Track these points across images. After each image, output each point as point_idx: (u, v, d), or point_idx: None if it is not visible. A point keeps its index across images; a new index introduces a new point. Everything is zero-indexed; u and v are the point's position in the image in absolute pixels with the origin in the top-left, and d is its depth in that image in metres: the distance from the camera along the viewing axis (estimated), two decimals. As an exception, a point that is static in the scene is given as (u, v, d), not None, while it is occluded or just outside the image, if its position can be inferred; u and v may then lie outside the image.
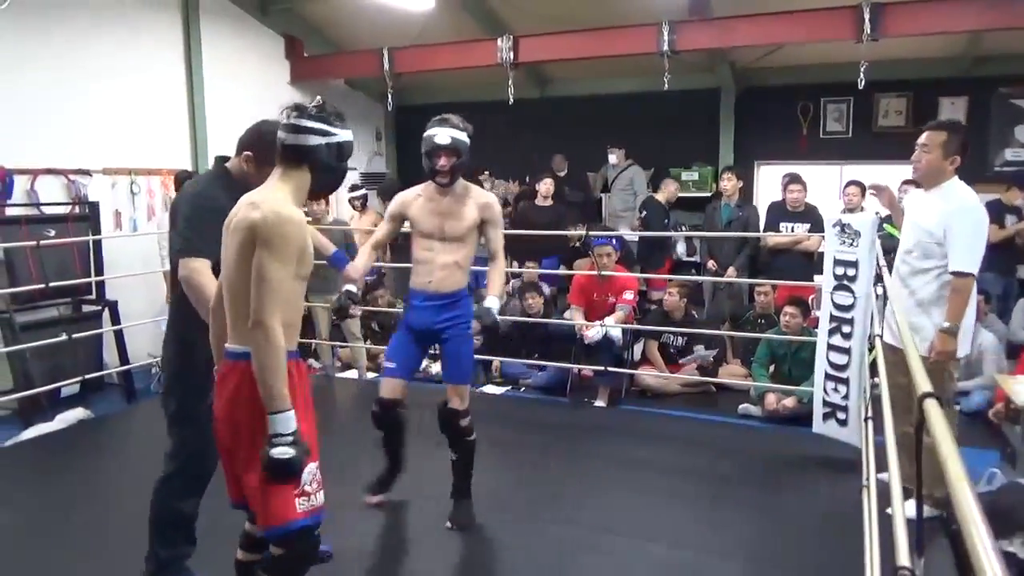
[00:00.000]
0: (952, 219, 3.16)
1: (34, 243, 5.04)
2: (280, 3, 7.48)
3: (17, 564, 3.15)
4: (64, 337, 5.12)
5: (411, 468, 4.17)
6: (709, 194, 7.28)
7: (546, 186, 6.91)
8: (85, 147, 5.73)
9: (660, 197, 6.81)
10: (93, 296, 5.60)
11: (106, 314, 5.58)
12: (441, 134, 3.28)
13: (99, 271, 5.50)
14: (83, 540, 3.34)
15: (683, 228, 7.16)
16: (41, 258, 5.12)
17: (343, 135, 2.17)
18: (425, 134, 3.32)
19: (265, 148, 2.45)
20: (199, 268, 2.44)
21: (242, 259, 2.02)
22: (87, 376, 5.27)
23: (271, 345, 1.95)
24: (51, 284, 5.10)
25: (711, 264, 6.18)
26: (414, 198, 3.38)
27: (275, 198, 2.05)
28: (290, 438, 1.97)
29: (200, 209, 2.51)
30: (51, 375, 5.09)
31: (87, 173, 5.77)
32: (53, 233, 5.29)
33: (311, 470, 2.12)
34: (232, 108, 7.00)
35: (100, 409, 5.06)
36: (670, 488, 3.89)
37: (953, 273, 3.15)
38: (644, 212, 6.79)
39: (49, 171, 5.56)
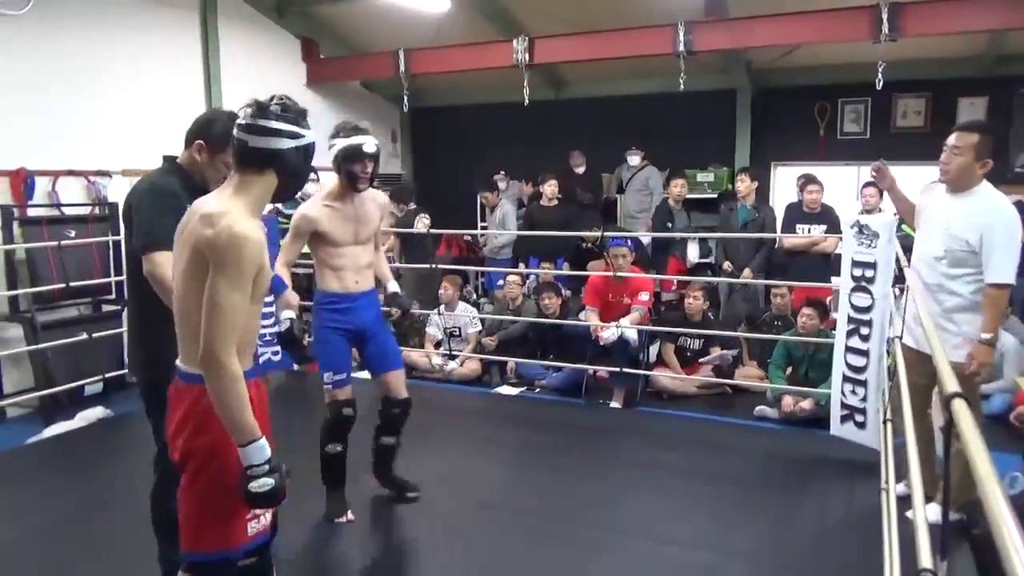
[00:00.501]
0: (988, 228, 3.03)
1: (55, 244, 5.11)
2: (297, 5, 7.53)
3: (38, 561, 3.19)
4: (84, 336, 5.18)
5: (421, 466, 4.19)
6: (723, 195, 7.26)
7: (550, 187, 6.92)
8: (105, 149, 5.79)
9: (670, 198, 6.79)
10: (113, 296, 5.66)
11: (125, 314, 5.62)
12: (368, 143, 3.35)
13: (118, 271, 5.55)
14: (103, 537, 3.38)
15: (693, 230, 7.10)
16: (62, 258, 5.19)
17: (310, 136, 2.01)
18: (347, 142, 3.33)
19: (217, 136, 2.47)
20: (163, 262, 2.32)
21: (192, 276, 1.87)
22: (107, 375, 5.32)
23: (228, 379, 1.81)
24: (72, 284, 5.17)
25: (727, 265, 6.14)
26: (321, 211, 3.37)
27: (232, 211, 1.87)
28: (266, 467, 1.85)
29: (157, 202, 2.45)
30: (72, 374, 5.15)
31: (107, 174, 5.83)
32: (73, 234, 5.35)
33: None
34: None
35: (120, 408, 5.10)
36: (686, 490, 3.88)
37: (991, 284, 3.05)
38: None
39: (70, 172, 5.63)
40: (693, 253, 6.45)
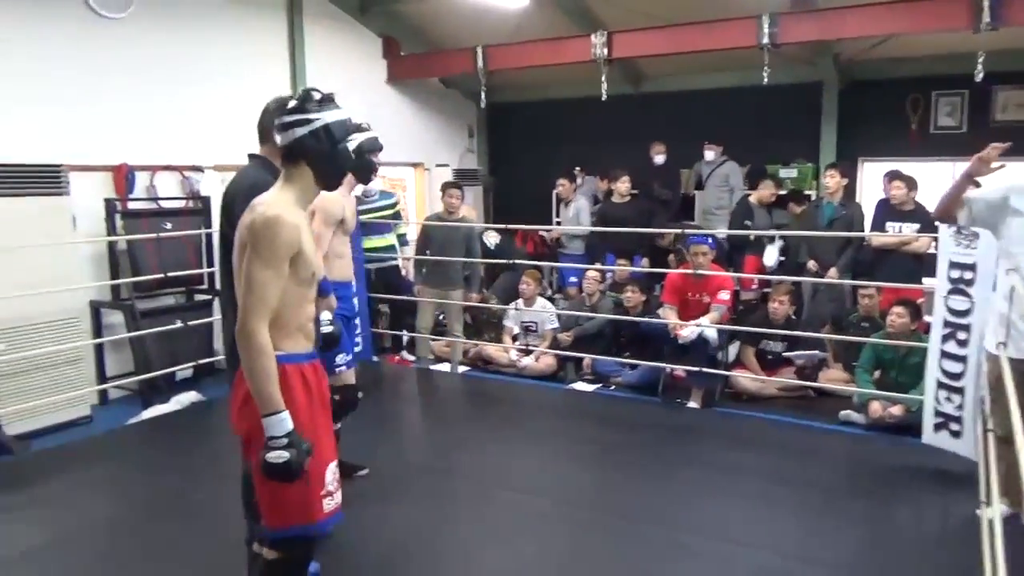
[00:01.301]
0: None
1: (154, 236, 5.37)
2: (379, 4, 7.66)
3: (141, 534, 3.37)
4: (179, 324, 5.44)
5: (497, 461, 4.24)
6: (811, 192, 7.04)
7: (623, 184, 6.85)
8: (198, 145, 6.03)
9: (753, 198, 6.63)
10: (205, 286, 5.91)
11: (216, 303, 5.87)
12: (376, 137, 3.41)
13: (211, 262, 5.79)
14: (196, 516, 3.54)
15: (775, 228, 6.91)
16: (159, 249, 5.45)
17: (328, 116, 2.05)
18: (361, 138, 3.33)
19: (264, 127, 2.66)
20: None
21: (242, 261, 2.01)
22: (200, 361, 5.57)
23: (255, 350, 1.93)
24: (168, 274, 5.42)
25: (811, 265, 5.96)
26: (340, 201, 3.45)
27: (274, 200, 2.02)
28: (284, 440, 1.91)
29: (248, 192, 2.48)
30: (168, 359, 5.41)
31: (199, 169, 6.07)
32: (170, 226, 5.61)
33: (332, 469, 2.13)
34: (333, 106, 7.25)
35: (210, 392, 5.33)
36: (766, 494, 3.79)
37: None
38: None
39: (167, 168, 5.90)
40: (771, 257, 6.26)
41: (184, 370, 5.55)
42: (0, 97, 4.93)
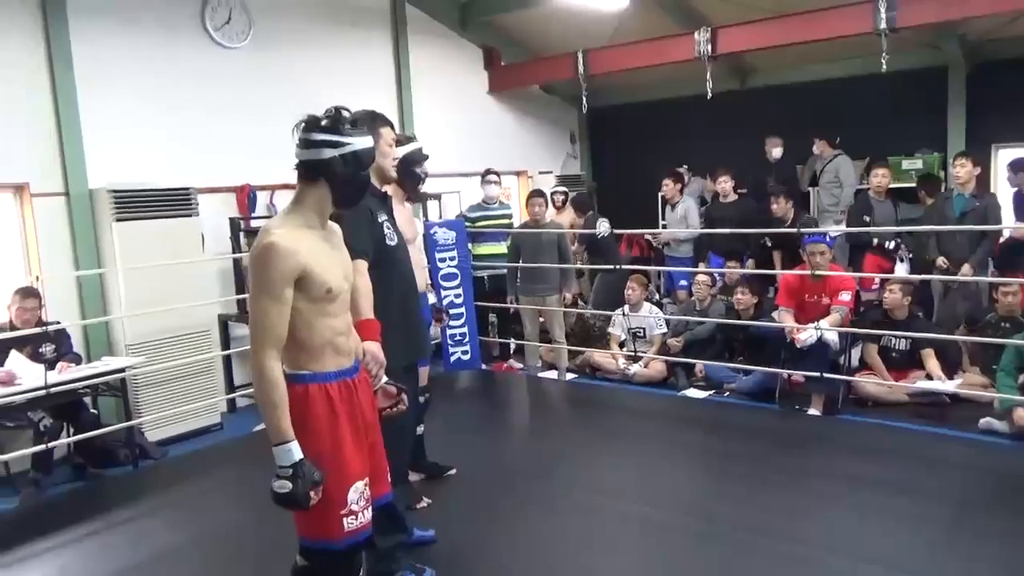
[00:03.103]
0: None
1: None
2: (479, 16, 7.78)
3: (268, 537, 3.53)
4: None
5: (606, 469, 4.18)
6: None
7: (725, 183, 6.64)
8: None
9: (871, 190, 6.26)
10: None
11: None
12: (421, 148, 3.45)
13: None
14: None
15: (900, 223, 6.48)
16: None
17: (358, 143, 2.05)
18: (409, 149, 3.36)
19: None
20: (361, 269, 2.58)
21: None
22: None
23: (261, 379, 1.94)
24: (287, 288, 5.68)
25: (941, 261, 5.55)
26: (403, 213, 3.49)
27: (275, 225, 2.01)
28: (289, 471, 1.93)
29: (352, 215, 2.58)
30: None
31: (314, 186, 6.35)
32: (288, 242, 5.87)
33: (358, 488, 2.10)
34: (436, 119, 7.43)
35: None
36: (895, 507, 3.54)
37: None
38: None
39: (284, 186, 6.19)
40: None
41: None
42: (135, 126, 5.34)
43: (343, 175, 2.05)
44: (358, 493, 2.10)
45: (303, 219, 2.06)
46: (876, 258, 6.00)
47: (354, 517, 2.10)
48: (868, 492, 3.71)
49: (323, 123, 2.04)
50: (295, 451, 1.96)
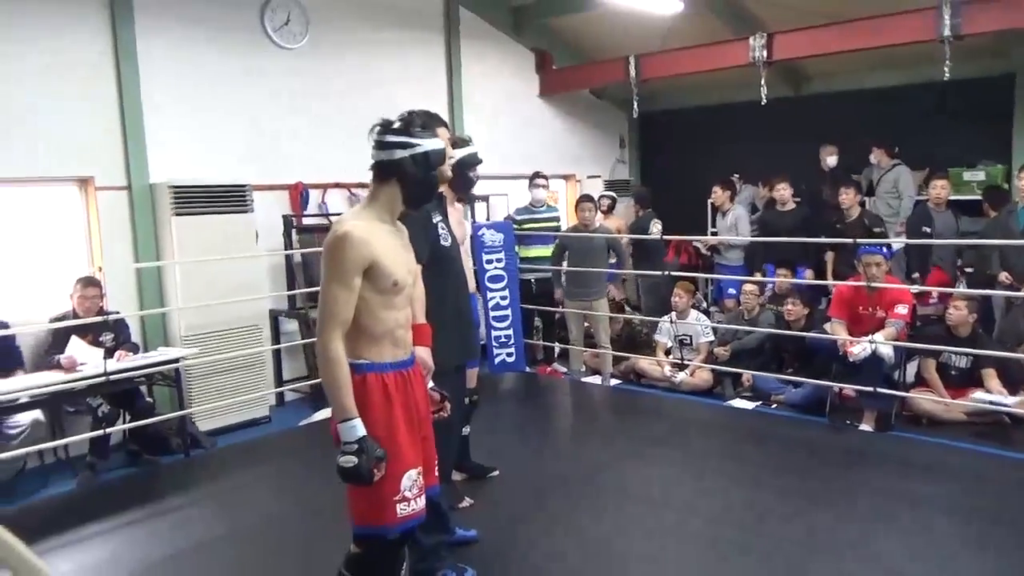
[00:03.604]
0: None
1: (324, 249, 5.73)
2: (532, 20, 7.80)
3: (304, 532, 3.58)
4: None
5: (648, 477, 4.14)
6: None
7: (780, 192, 6.50)
8: (363, 162, 6.37)
9: (930, 201, 6.09)
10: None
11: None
12: (476, 152, 3.40)
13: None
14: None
15: (960, 235, 6.29)
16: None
17: (429, 144, 2.16)
18: (465, 152, 3.32)
19: None
20: (416, 273, 2.61)
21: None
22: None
23: (327, 360, 2.03)
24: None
25: (1004, 277, 5.37)
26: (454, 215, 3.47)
27: (350, 217, 2.14)
28: (354, 446, 2.01)
29: (411, 218, 2.63)
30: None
31: (365, 186, 6.38)
32: (339, 240, 5.96)
33: (411, 476, 2.16)
34: (486, 121, 7.46)
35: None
36: (952, 529, 3.43)
37: None
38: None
39: (336, 185, 6.30)
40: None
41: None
42: (195, 123, 5.48)
43: (413, 175, 2.15)
44: (411, 480, 2.17)
45: (375, 214, 2.17)
46: (937, 271, 5.83)
47: (407, 503, 2.16)
48: (921, 512, 3.60)
49: (396, 126, 2.15)
50: (359, 427, 2.04)
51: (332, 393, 2.05)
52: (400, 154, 2.13)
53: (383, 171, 2.16)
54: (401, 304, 2.22)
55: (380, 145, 2.15)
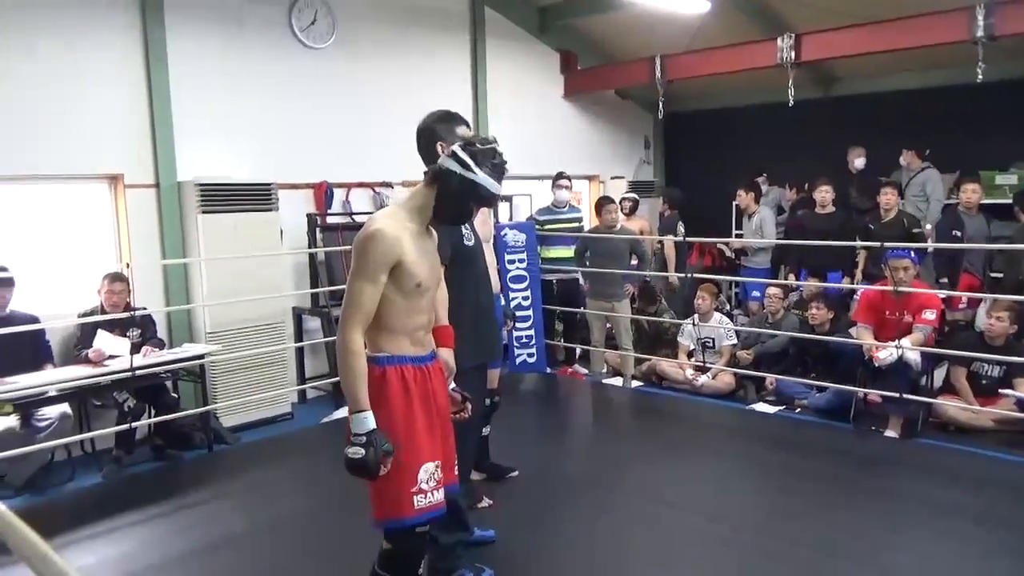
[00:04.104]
0: None
1: (348, 248, 5.76)
2: (558, 20, 7.78)
3: (326, 527, 3.61)
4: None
5: (670, 480, 4.11)
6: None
7: (825, 193, 6.36)
8: (388, 162, 6.41)
9: (960, 204, 5.96)
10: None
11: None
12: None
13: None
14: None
15: (992, 240, 6.16)
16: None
17: (481, 178, 2.17)
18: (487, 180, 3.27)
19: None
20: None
21: None
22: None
23: (345, 350, 2.07)
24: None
25: (1035, 282, 5.26)
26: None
27: (386, 213, 2.19)
28: (363, 439, 2.03)
29: None
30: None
31: (389, 185, 6.46)
32: (362, 239, 6.00)
33: (428, 469, 2.17)
34: (510, 121, 7.45)
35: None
36: (980, 537, 3.37)
37: None
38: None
39: (360, 184, 6.33)
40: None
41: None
42: (222, 121, 5.54)
43: (450, 191, 2.19)
44: (428, 473, 2.19)
45: (409, 216, 2.20)
46: (967, 276, 5.73)
47: (424, 496, 2.18)
48: (946, 519, 3.55)
49: (475, 148, 2.19)
50: (370, 420, 2.06)
51: (347, 383, 2.09)
52: (454, 167, 2.17)
53: (435, 178, 2.20)
54: (424, 307, 2.25)
55: (451, 155, 2.19)
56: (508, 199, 7.60)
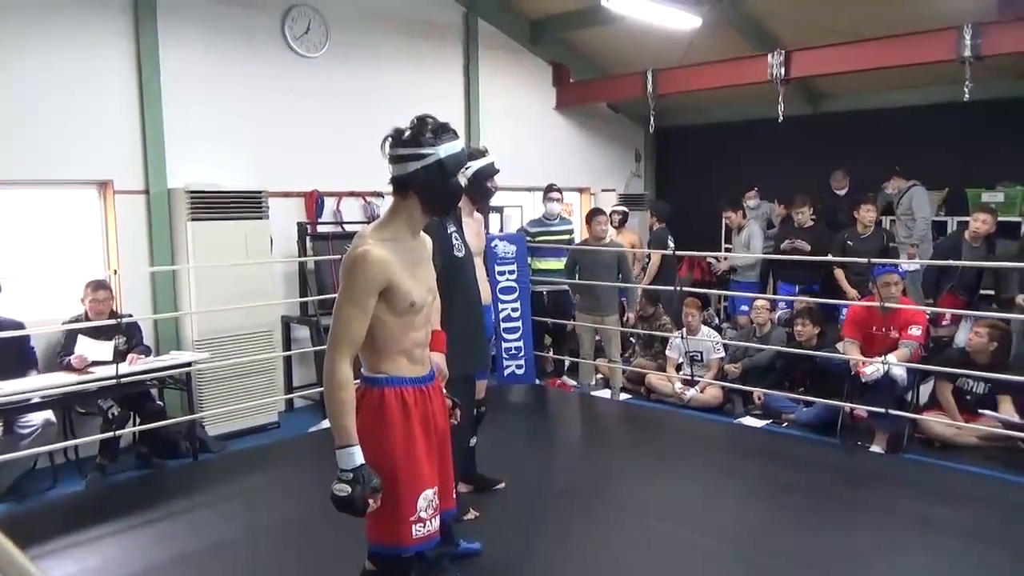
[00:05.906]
0: None
1: (338, 257, 5.76)
2: (550, 33, 7.83)
3: (312, 536, 3.58)
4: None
5: (657, 492, 4.11)
6: (1019, 219, 6.30)
7: (799, 215, 6.43)
8: (379, 171, 6.37)
9: (967, 234, 5.91)
10: (382, 304, 6.25)
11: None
12: (493, 163, 3.40)
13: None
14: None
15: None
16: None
17: (443, 150, 2.05)
18: (482, 163, 3.33)
19: None
20: None
21: None
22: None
23: (332, 381, 1.97)
24: (349, 293, 5.79)
25: (1021, 299, 5.31)
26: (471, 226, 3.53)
27: (369, 235, 2.05)
28: (350, 475, 1.95)
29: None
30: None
31: (380, 195, 6.46)
32: (352, 248, 5.99)
33: (427, 496, 2.10)
34: (502, 133, 7.48)
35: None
36: (964, 552, 3.39)
37: None
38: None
39: (351, 193, 6.33)
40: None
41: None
42: (213, 128, 5.53)
43: (431, 185, 2.07)
44: (427, 501, 2.11)
45: (393, 231, 2.09)
46: (952, 297, 5.76)
47: (422, 525, 2.11)
48: (931, 535, 3.57)
49: (406, 136, 2.06)
50: (357, 455, 1.97)
51: (333, 415, 1.99)
52: (414, 166, 2.03)
53: (400, 186, 2.08)
54: (419, 324, 2.16)
55: (394, 159, 2.06)
56: (499, 210, 7.62)
